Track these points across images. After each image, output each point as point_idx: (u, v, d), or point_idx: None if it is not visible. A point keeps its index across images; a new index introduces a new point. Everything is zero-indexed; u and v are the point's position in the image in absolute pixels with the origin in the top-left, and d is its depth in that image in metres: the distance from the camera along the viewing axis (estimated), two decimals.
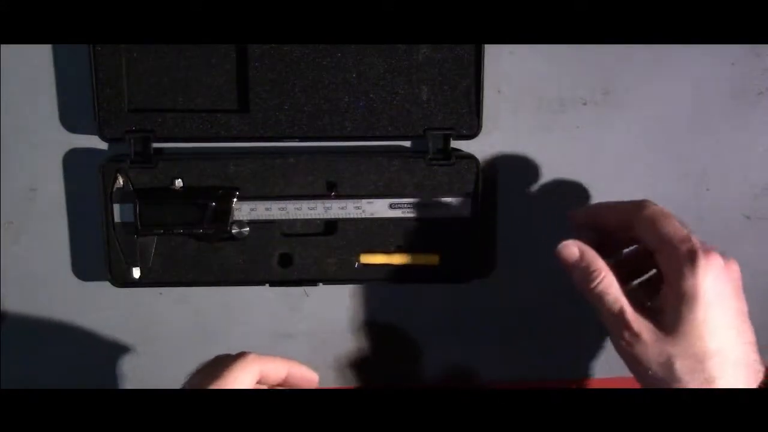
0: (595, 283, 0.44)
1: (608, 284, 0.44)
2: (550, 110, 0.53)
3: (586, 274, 0.44)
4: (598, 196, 0.55)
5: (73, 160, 0.52)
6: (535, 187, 0.54)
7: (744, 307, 0.43)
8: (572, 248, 0.45)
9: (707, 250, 0.42)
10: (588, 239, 0.47)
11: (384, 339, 0.56)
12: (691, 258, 0.41)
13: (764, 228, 0.56)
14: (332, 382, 0.57)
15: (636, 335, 0.43)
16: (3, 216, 0.53)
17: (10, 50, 0.50)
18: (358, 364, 0.57)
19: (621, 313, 0.43)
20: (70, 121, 0.51)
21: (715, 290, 0.41)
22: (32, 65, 0.50)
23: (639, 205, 0.45)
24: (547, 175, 0.54)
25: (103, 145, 0.51)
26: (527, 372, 0.57)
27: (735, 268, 0.43)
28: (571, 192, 0.54)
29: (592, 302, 0.45)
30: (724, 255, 0.43)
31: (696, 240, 0.42)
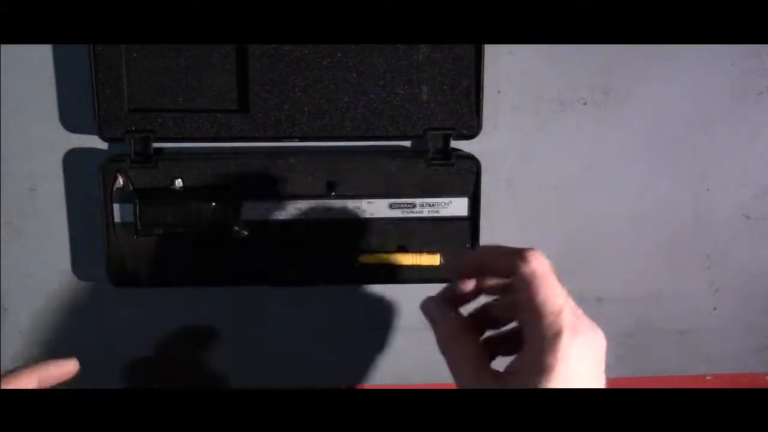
0: (449, 340, 0.43)
1: (459, 342, 0.43)
2: (550, 110, 0.53)
3: (441, 330, 0.43)
4: (597, 196, 0.55)
5: (73, 160, 0.52)
6: (535, 187, 0.54)
7: (601, 384, 0.41)
8: (430, 307, 0.44)
9: (574, 327, 0.39)
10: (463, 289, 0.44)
11: (384, 339, 0.56)
12: (555, 335, 0.39)
13: (764, 228, 0.56)
14: (332, 382, 0.57)
15: None
16: (3, 216, 0.53)
17: (10, 50, 0.50)
18: (358, 364, 0.57)
19: (473, 380, 0.42)
20: (70, 121, 0.51)
21: (573, 370, 0.39)
22: (32, 65, 0.50)
23: (522, 256, 0.41)
24: (547, 175, 0.54)
25: (103, 145, 0.51)
26: None
27: (600, 343, 0.40)
28: (571, 192, 0.54)
29: (445, 358, 0.43)
30: (594, 326, 0.40)
31: (568, 313, 0.39)
